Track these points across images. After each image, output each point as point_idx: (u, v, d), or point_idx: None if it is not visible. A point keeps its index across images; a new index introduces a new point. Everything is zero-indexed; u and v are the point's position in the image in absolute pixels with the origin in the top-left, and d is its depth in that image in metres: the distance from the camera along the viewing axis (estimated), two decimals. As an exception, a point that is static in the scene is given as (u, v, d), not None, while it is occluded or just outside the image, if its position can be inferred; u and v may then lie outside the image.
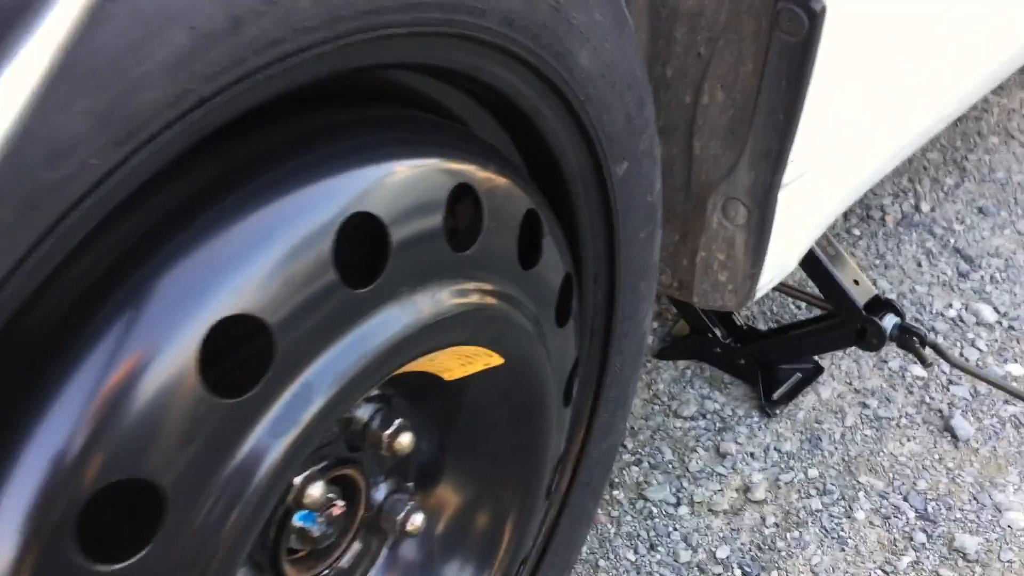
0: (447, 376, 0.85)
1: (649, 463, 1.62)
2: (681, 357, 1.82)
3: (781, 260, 1.28)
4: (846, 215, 2.20)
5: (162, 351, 0.57)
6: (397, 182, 0.70)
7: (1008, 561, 1.47)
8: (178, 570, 0.60)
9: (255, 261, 0.61)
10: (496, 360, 0.84)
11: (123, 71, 0.51)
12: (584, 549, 1.48)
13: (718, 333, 1.77)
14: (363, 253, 0.69)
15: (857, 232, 2.15)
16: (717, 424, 1.69)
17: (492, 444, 0.93)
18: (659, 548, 1.49)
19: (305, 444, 0.66)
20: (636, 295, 1.11)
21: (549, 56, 0.82)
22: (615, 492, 1.57)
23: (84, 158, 0.51)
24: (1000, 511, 1.54)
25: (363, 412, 0.84)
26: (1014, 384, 1.76)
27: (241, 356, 0.63)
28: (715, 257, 1.27)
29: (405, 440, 0.84)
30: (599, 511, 1.54)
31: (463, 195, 0.76)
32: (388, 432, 0.83)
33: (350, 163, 0.67)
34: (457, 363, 0.83)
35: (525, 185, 0.85)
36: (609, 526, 1.52)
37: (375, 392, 0.85)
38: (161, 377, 0.58)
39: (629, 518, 1.53)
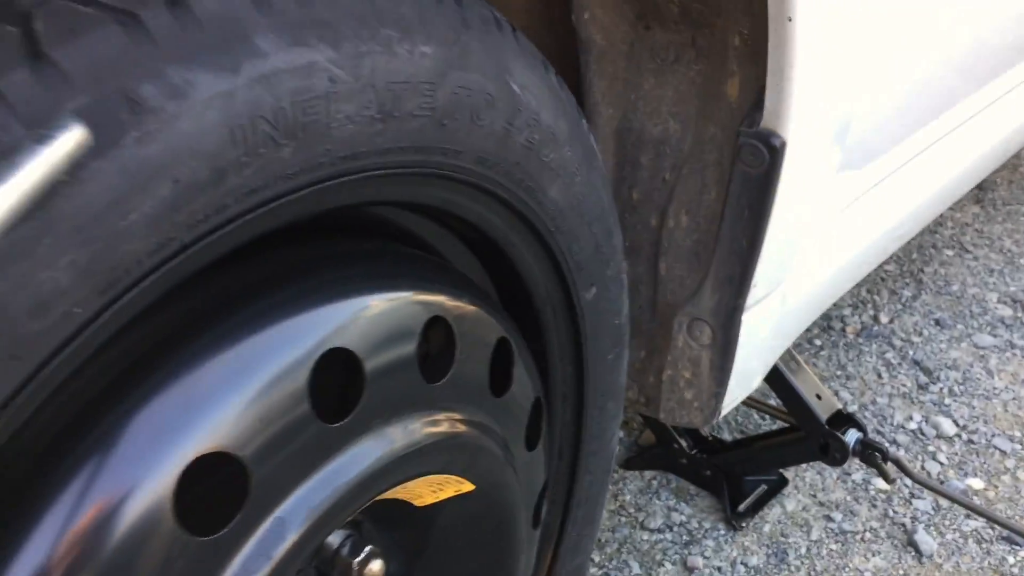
0: (418, 503, 0.85)
1: (616, 577, 1.61)
2: (647, 467, 1.82)
3: (745, 378, 1.30)
4: (808, 327, 2.23)
5: (136, 491, 0.58)
6: (372, 316, 0.71)
7: None
8: None
9: (230, 399, 0.62)
10: (467, 487, 0.85)
11: (108, 225, 0.52)
12: (551, 668, 1.46)
13: (684, 444, 1.78)
14: (337, 387, 0.70)
15: (819, 342, 2.19)
16: (684, 537, 1.69)
17: (462, 568, 0.92)
18: (626, 667, 1.47)
19: (278, 580, 0.66)
20: (604, 414, 1.13)
21: (520, 191, 0.85)
22: (582, 608, 1.55)
23: (67, 308, 0.52)
24: (965, 628, 1.55)
25: (333, 539, 0.83)
26: (975, 499, 1.78)
27: (215, 493, 0.63)
28: (681, 375, 1.29)
29: (375, 567, 0.84)
30: (566, 628, 1.52)
31: (436, 326, 0.78)
32: (358, 559, 0.83)
33: (325, 299, 0.69)
34: (428, 490, 0.83)
35: (496, 314, 0.87)
36: (576, 644, 1.50)
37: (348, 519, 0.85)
38: (135, 516, 0.58)
39: (596, 635, 1.52)
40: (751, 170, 1.09)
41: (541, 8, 1.20)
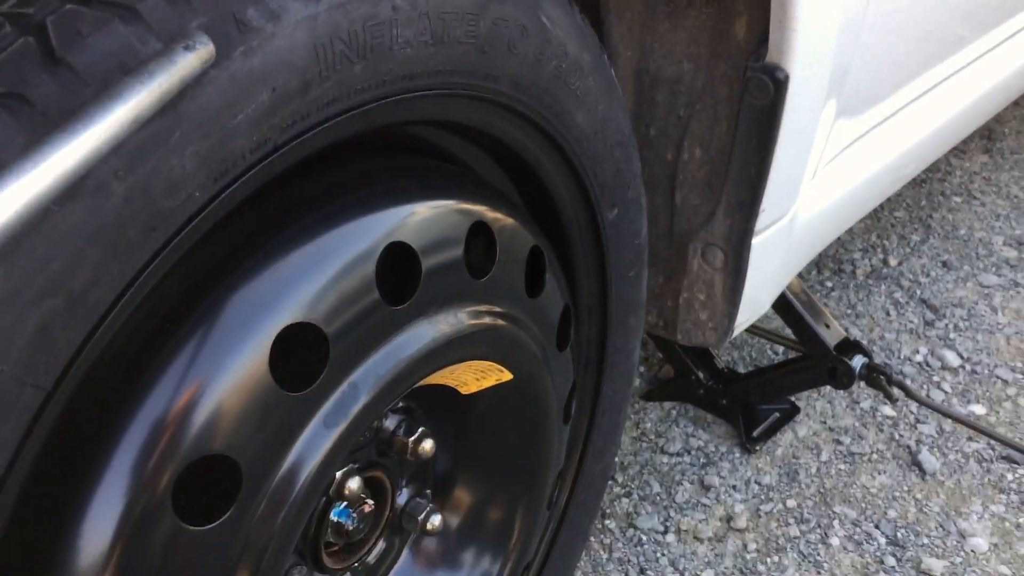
0: (463, 390, 0.97)
1: (639, 495, 1.74)
2: (667, 398, 1.94)
3: (756, 302, 1.41)
4: (819, 268, 2.34)
5: (242, 352, 0.70)
6: (426, 218, 0.83)
7: (972, 582, 1.58)
8: (254, 532, 0.72)
9: (316, 280, 0.74)
10: (506, 376, 0.97)
11: (222, 123, 0.64)
12: (578, 573, 1.59)
13: (701, 376, 1.90)
14: (400, 277, 0.82)
15: (830, 284, 2.30)
16: (701, 460, 1.81)
17: (502, 453, 1.05)
18: (648, 572, 1.60)
19: (351, 436, 0.78)
20: (626, 328, 1.25)
21: (550, 115, 0.96)
22: (607, 522, 1.68)
23: (191, 191, 0.64)
24: (964, 537, 1.66)
25: (390, 422, 0.96)
26: (979, 423, 1.89)
27: (303, 359, 0.75)
28: (696, 298, 1.40)
29: (427, 446, 0.96)
30: (592, 538, 1.65)
31: (480, 232, 0.90)
32: (412, 439, 0.95)
33: (389, 202, 0.81)
34: (473, 377, 0.96)
35: (530, 226, 0.98)
36: (602, 552, 1.63)
37: (401, 404, 0.97)
38: (240, 374, 0.70)
39: (620, 545, 1.64)
40: (758, 102, 1.20)
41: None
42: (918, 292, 2.27)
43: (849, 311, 2.21)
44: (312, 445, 0.75)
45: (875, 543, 1.65)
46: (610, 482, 1.76)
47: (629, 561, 1.62)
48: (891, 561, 1.62)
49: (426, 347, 0.83)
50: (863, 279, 2.31)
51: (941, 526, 1.68)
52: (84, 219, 0.58)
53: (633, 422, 1.89)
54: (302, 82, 0.69)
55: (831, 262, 2.37)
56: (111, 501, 0.66)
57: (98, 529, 0.66)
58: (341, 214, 0.77)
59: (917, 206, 2.61)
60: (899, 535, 1.66)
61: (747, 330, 1.93)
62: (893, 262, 2.38)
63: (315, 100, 0.71)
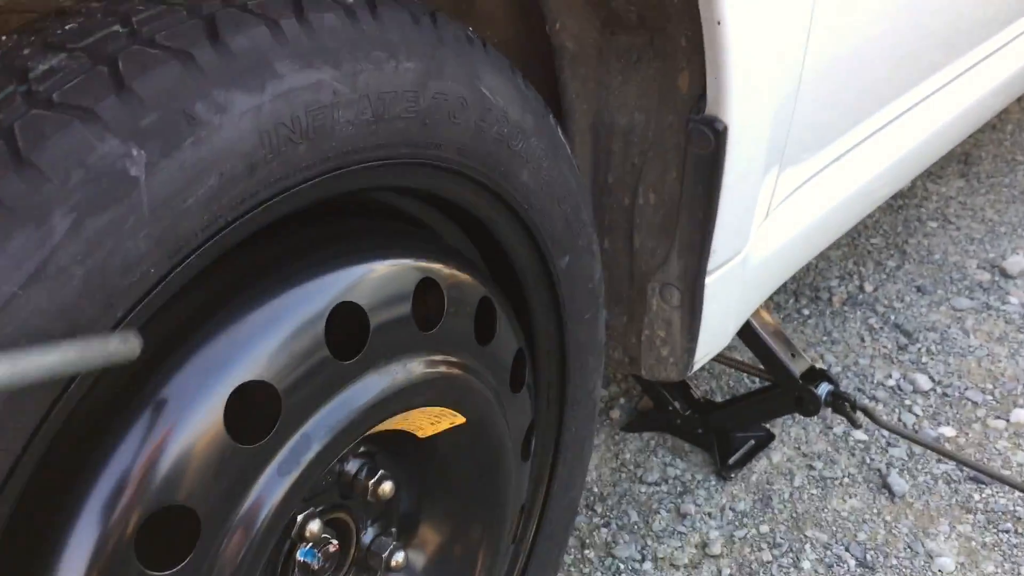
0: (420, 434, 1.04)
1: (617, 524, 1.80)
2: (646, 429, 2.01)
3: (716, 335, 1.48)
4: (797, 296, 2.41)
5: (197, 410, 0.77)
6: (373, 278, 0.90)
7: (938, 602, 1.64)
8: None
9: (267, 341, 0.81)
10: (459, 419, 1.04)
11: (173, 207, 0.72)
12: (557, 602, 1.65)
13: (678, 406, 1.96)
14: (350, 333, 0.90)
15: (807, 312, 2.36)
16: (678, 488, 1.87)
17: (461, 491, 1.12)
18: (625, 599, 1.66)
19: (305, 482, 0.85)
20: (585, 368, 1.31)
21: (496, 176, 1.04)
22: (586, 552, 1.74)
23: (146, 268, 0.71)
24: (932, 557, 1.71)
25: (352, 466, 1.03)
26: (946, 445, 1.94)
27: (258, 414, 0.83)
28: (656, 335, 1.47)
29: (387, 487, 1.03)
30: (572, 569, 1.71)
31: (429, 287, 0.97)
32: (372, 481, 1.02)
33: (338, 264, 0.88)
34: (427, 422, 1.03)
35: (480, 277, 1.05)
36: (580, 581, 1.69)
37: (362, 449, 1.04)
38: (197, 430, 0.77)
39: (599, 574, 1.70)
40: (701, 151, 1.27)
41: (520, 21, 1.39)
42: (892, 317, 2.33)
43: (825, 338, 2.27)
44: (267, 492, 0.82)
45: (845, 565, 1.71)
46: (589, 512, 1.82)
47: (606, 589, 1.67)
48: (860, 583, 1.67)
49: (375, 397, 0.90)
50: (839, 306, 2.38)
51: (909, 547, 1.74)
52: (46, 301, 0.66)
53: (613, 453, 1.96)
54: (248, 165, 0.76)
55: (808, 290, 2.43)
56: (80, 551, 0.72)
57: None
58: (291, 279, 0.84)
59: (893, 232, 2.68)
60: (868, 557, 1.72)
61: (720, 361, 2.00)
62: (869, 288, 2.44)
63: (262, 179, 0.78)
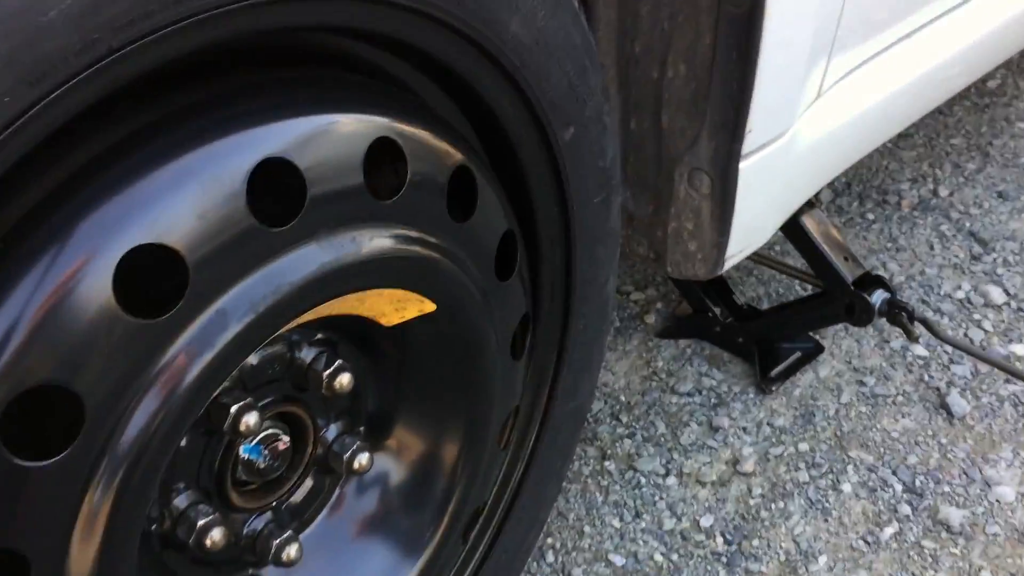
0: (384, 321, 0.91)
1: (642, 436, 1.66)
2: (682, 336, 1.85)
3: (752, 230, 1.31)
4: (861, 199, 2.20)
5: (85, 274, 0.65)
6: (314, 133, 0.76)
7: (993, 534, 1.48)
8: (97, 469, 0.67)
9: (170, 199, 0.68)
10: (428, 306, 0.90)
11: (25, 19, 0.58)
12: (571, 515, 1.53)
13: (719, 312, 1.80)
14: (283, 197, 0.76)
15: (871, 216, 2.16)
16: (712, 400, 1.73)
17: (435, 388, 0.99)
18: (644, 516, 1.53)
19: (223, 366, 0.73)
20: (594, 259, 1.16)
21: (476, 23, 0.88)
22: (606, 463, 1.62)
23: (-4, 95, 0.58)
24: (989, 485, 1.55)
25: (306, 354, 0.90)
26: (1017, 364, 1.76)
27: (161, 285, 0.70)
28: (684, 227, 1.31)
29: (344, 379, 0.90)
30: (589, 480, 1.59)
31: (389, 149, 0.83)
32: (328, 372, 0.90)
33: (268, 115, 0.74)
34: (391, 308, 0.89)
35: (458, 143, 0.90)
36: (597, 494, 1.57)
37: (319, 336, 0.92)
38: (85, 298, 0.65)
39: (618, 487, 1.58)
40: (735, 9, 1.09)
41: None
42: (967, 224, 2.12)
43: (890, 244, 2.07)
44: (172, 375, 0.70)
45: (890, 490, 1.55)
46: (614, 422, 1.69)
47: (625, 504, 1.55)
48: (906, 510, 1.52)
49: (314, 272, 0.77)
50: (908, 211, 2.17)
51: (965, 473, 1.57)
52: None
53: (644, 360, 1.82)
54: (133, -26, 0.62)
55: (875, 192, 2.23)
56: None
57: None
58: (207, 129, 0.71)
59: (976, 132, 2.43)
60: (918, 482, 1.56)
61: (764, 263, 1.83)
62: (944, 192, 2.22)
63: (154, -3, 0.64)
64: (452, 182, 0.89)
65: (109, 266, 0.65)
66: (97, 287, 0.65)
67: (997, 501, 1.52)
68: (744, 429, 1.67)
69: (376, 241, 0.82)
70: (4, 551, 0.66)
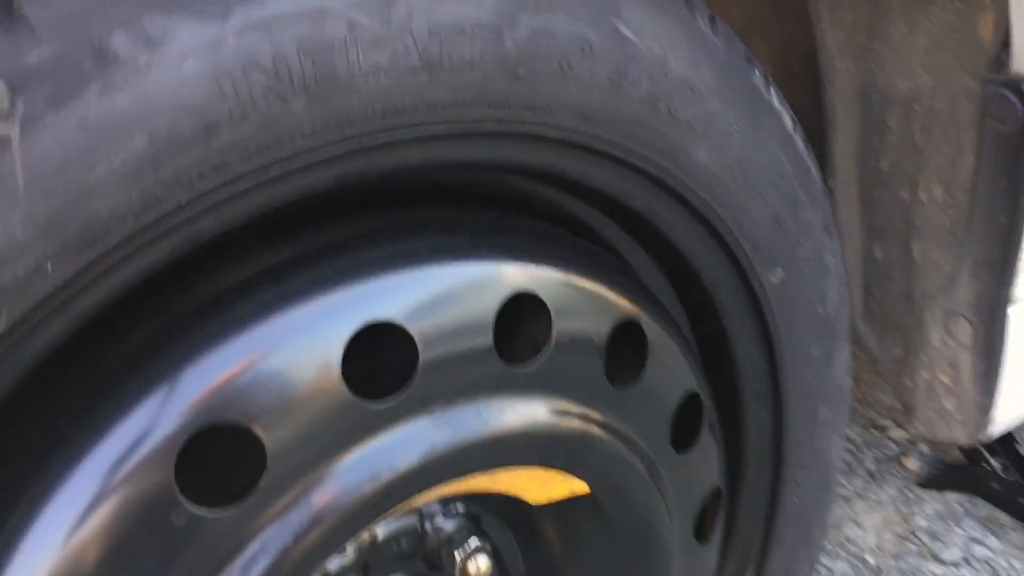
0: (530, 499, 0.77)
1: (892, 612, 1.40)
2: (951, 488, 1.57)
3: (1022, 390, 1.06)
4: None
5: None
6: (424, 286, 0.65)
7: None
8: None
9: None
10: (579, 486, 0.75)
11: (70, 181, 0.51)
12: None
13: (996, 465, 1.51)
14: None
15: None
16: (985, 574, 1.43)
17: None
18: None
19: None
20: (813, 420, 0.97)
21: (653, 154, 0.74)
22: (844, 641, 1.37)
23: (34, 263, 0.52)
24: None
25: (442, 524, 0.79)
26: None
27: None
28: (939, 379, 1.08)
29: (482, 564, 0.78)
30: (819, 660, 1.35)
31: (529, 305, 0.70)
32: (462, 551, 0.77)
33: (367, 272, 0.64)
34: (534, 486, 0.76)
35: (624, 291, 0.76)
36: None
37: (460, 509, 0.80)
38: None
39: (854, 674, 1.33)
40: (1003, 127, 0.88)
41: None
42: None
43: None
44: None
45: None
46: (856, 590, 1.44)
47: None
48: None
49: (422, 456, 0.65)
50: None
51: None
52: None
53: (901, 516, 1.54)
54: (202, 125, 0.54)
55: None
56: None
57: None
58: (299, 291, 0.62)
59: None
60: None
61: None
62: None
63: (231, 147, 0.56)
64: (615, 340, 0.74)
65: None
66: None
67: None
68: (1024, 619, 1.36)
69: (507, 414, 0.69)
70: None
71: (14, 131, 0.49)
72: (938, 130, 0.98)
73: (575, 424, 0.73)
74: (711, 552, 0.91)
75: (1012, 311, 0.98)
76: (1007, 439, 1.52)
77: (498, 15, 0.63)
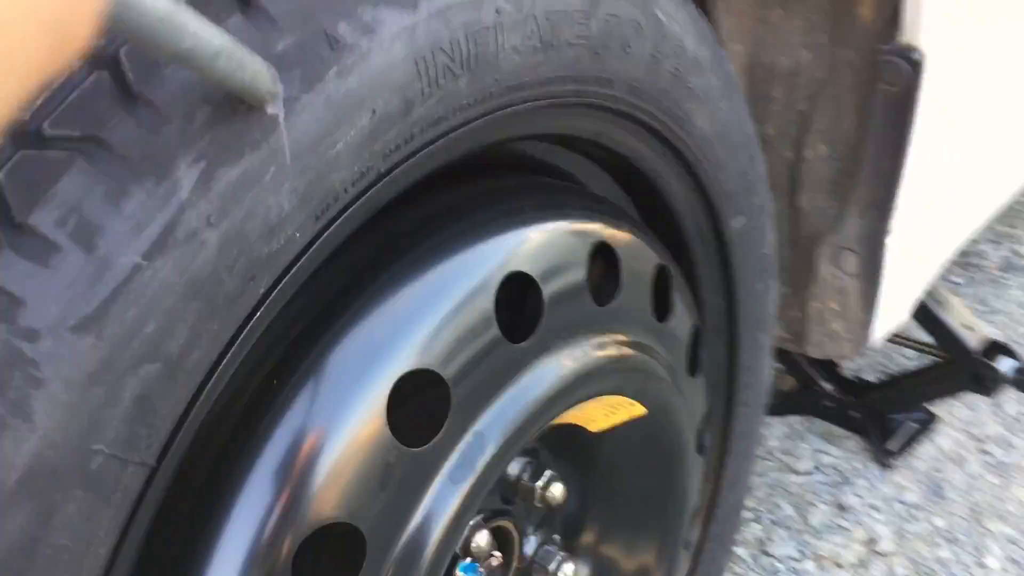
0: (592, 427, 0.88)
1: (770, 519, 1.62)
2: (791, 412, 1.82)
3: (895, 307, 1.29)
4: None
5: (356, 406, 0.63)
6: (543, 243, 0.75)
7: None
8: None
9: (430, 319, 0.66)
10: (638, 409, 0.88)
11: (319, 154, 0.57)
12: (713, 609, 1.48)
13: (827, 387, 1.77)
14: (519, 311, 0.74)
15: (959, 280, 2.14)
16: (835, 478, 1.69)
17: (634, 494, 0.96)
18: (789, 604, 1.48)
19: (480, 490, 0.70)
20: (756, 346, 1.14)
21: (669, 120, 0.87)
22: (737, 549, 1.57)
23: (291, 232, 0.57)
24: None
25: (514, 466, 0.88)
26: None
27: (421, 412, 0.68)
28: (828, 307, 1.29)
29: (557, 491, 0.88)
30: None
31: (602, 253, 0.81)
32: (540, 483, 0.87)
33: (503, 227, 0.73)
34: (602, 414, 0.87)
35: (653, 242, 0.89)
36: (736, 584, 1.52)
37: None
38: (356, 430, 0.63)
39: (754, 573, 1.53)
40: (892, 88, 1.09)
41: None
42: (1057, 282, 2.10)
43: (982, 307, 2.05)
44: (439, 503, 0.67)
45: (1039, 563, 1.51)
46: (738, 507, 1.64)
47: (767, 592, 1.50)
48: (1060, 582, 1.47)
49: (553, 386, 0.75)
50: (996, 272, 2.15)
51: (1113, 541, 1.53)
52: (176, 273, 0.51)
53: (757, 440, 1.78)
54: (403, 101, 0.61)
55: (958, 256, 2.21)
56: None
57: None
58: (451, 244, 0.69)
59: (1045, 190, 2.43)
60: (1066, 553, 1.52)
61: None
62: (1025, 252, 2.21)
63: (418, 121, 0.63)
64: (654, 282, 0.87)
65: (383, 395, 0.63)
66: (373, 418, 0.63)
67: None
68: (874, 507, 1.62)
69: (600, 349, 0.80)
70: None
71: (280, 111, 0.55)
72: (822, 97, 1.18)
73: (640, 354, 0.85)
74: (703, 465, 1.06)
75: (888, 240, 1.20)
76: (831, 365, 1.79)
77: (587, 2, 0.73)
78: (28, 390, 0.48)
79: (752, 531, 1.60)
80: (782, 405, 1.83)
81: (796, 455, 1.74)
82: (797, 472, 1.71)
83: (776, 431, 1.80)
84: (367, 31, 0.59)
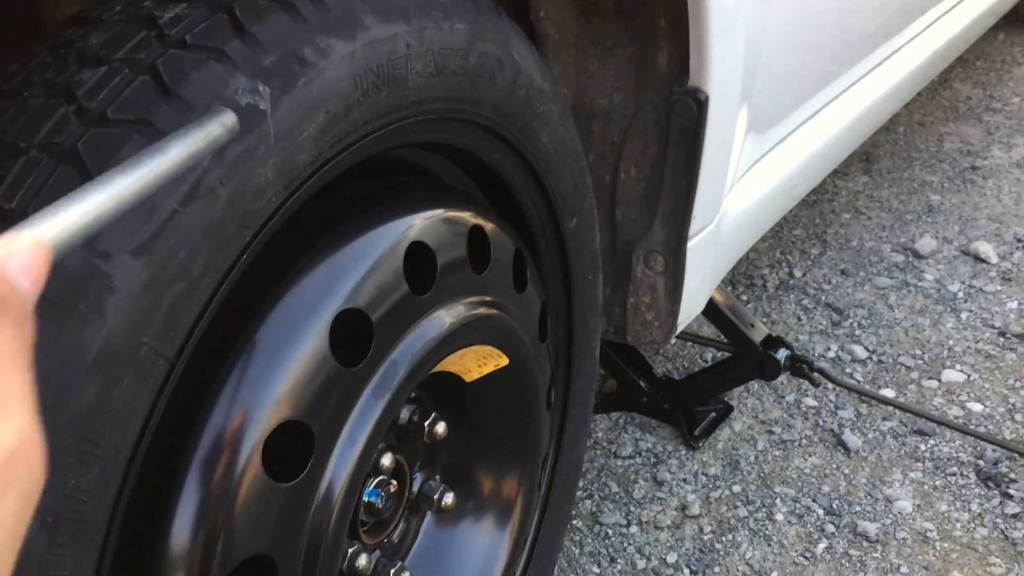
0: (467, 377, 1.12)
1: (600, 495, 1.89)
2: (613, 409, 2.11)
3: (695, 298, 1.60)
4: (734, 284, 2.56)
5: (307, 330, 0.84)
6: (438, 223, 0.98)
7: (902, 538, 1.78)
8: (324, 493, 0.85)
9: (360, 270, 0.88)
10: (504, 360, 1.12)
11: (292, 139, 0.79)
12: (555, 568, 1.72)
13: (643, 385, 2.07)
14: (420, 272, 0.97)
15: (745, 297, 2.51)
16: (652, 459, 1.98)
17: (500, 435, 1.19)
18: (618, 560, 1.75)
19: (393, 409, 0.92)
20: (588, 328, 1.41)
21: (522, 136, 1.13)
22: (575, 521, 1.83)
23: (270, 195, 0.78)
24: (891, 502, 1.86)
25: (405, 412, 1.10)
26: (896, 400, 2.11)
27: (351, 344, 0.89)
28: (642, 301, 1.58)
29: (441, 428, 1.10)
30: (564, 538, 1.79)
31: (477, 235, 1.05)
32: (428, 422, 1.09)
33: (411, 209, 0.96)
34: (475, 364, 1.10)
35: (512, 232, 1.14)
36: (574, 548, 1.77)
37: (412, 394, 1.11)
38: (306, 349, 0.84)
39: (589, 540, 1.79)
40: (684, 121, 1.39)
41: (507, 9, 1.49)
42: (823, 298, 2.50)
43: (764, 319, 2.42)
44: (366, 412, 0.88)
45: (814, 515, 1.84)
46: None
47: (600, 553, 1.76)
48: (831, 528, 1.80)
49: (445, 330, 0.98)
50: (773, 291, 2.54)
51: (869, 495, 1.88)
52: (200, 218, 0.72)
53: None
54: (346, 106, 0.84)
55: (743, 278, 2.59)
56: (211, 456, 0.78)
57: (201, 482, 0.78)
58: (376, 218, 0.92)
59: (812, 224, 2.87)
60: (834, 506, 1.85)
61: (683, 337, 2.12)
62: (798, 274, 2.61)
63: (354, 122, 0.86)
64: (514, 262, 1.12)
65: (326, 324, 0.85)
66: (319, 341, 0.84)
67: (899, 513, 1.83)
68: (684, 480, 1.92)
69: (476, 307, 1.04)
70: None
71: (268, 107, 0.76)
72: (631, 129, 1.48)
73: (504, 314, 1.09)
74: (550, 421, 1.30)
75: (689, 244, 1.50)
76: (644, 366, 2.09)
77: (466, 42, 0.99)
78: (103, 295, 0.67)
79: (585, 506, 1.86)
80: (606, 403, 2.12)
81: (619, 443, 2.02)
82: (621, 457, 1.99)
83: (602, 424, 2.08)
84: (323, 54, 0.81)
